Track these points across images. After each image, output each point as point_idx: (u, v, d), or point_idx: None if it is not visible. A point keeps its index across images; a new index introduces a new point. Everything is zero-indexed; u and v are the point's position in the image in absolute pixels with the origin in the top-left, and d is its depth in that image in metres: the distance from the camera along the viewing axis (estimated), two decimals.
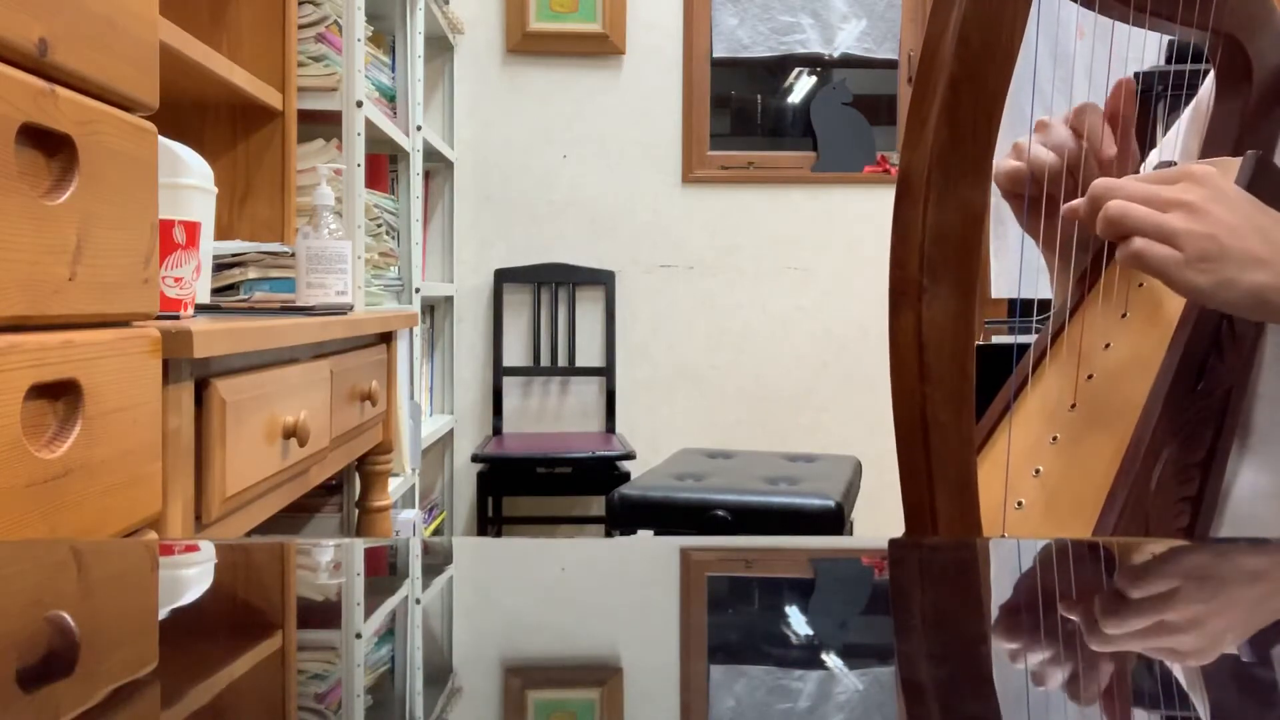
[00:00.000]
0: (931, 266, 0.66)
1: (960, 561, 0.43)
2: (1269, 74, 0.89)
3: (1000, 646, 0.32)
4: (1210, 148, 0.93)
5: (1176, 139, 1.01)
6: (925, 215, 0.65)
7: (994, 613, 0.36)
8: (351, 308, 1.66)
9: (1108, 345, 0.87)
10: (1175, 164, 0.96)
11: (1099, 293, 0.91)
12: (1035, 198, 0.90)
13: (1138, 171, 0.94)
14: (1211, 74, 0.95)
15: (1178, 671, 0.30)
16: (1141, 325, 0.86)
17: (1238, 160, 0.87)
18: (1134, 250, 0.74)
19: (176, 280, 1.18)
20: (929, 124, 0.65)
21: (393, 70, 2.65)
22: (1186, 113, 1.01)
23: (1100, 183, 0.77)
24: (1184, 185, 0.75)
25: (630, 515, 2.35)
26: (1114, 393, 0.83)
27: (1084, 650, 0.31)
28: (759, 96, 3.66)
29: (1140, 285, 0.89)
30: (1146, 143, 1.07)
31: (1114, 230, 0.75)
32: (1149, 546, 0.45)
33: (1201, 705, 0.28)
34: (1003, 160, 0.90)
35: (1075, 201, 0.80)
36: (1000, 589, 0.39)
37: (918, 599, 0.38)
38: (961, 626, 0.34)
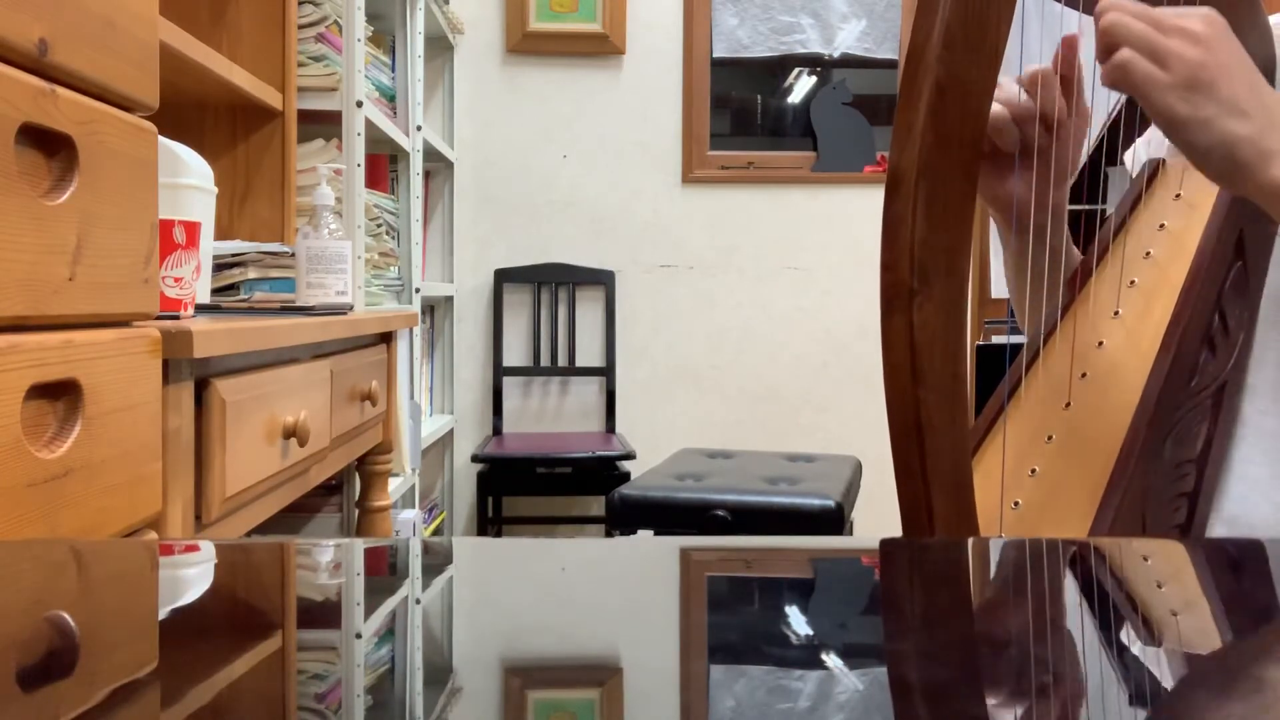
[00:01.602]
0: (922, 269, 0.66)
1: (954, 561, 0.43)
2: None
3: (997, 646, 0.32)
4: None
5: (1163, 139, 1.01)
6: (914, 218, 0.66)
7: (990, 613, 0.36)
8: (351, 308, 1.66)
9: (1101, 343, 0.87)
10: (1164, 161, 0.96)
11: (1091, 292, 0.91)
12: (993, 162, 0.88)
13: (1084, 130, 0.92)
14: None
15: (1174, 670, 0.30)
16: (1134, 323, 0.86)
17: None
18: (1121, 61, 0.71)
19: (176, 280, 1.18)
20: (916, 128, 0.66)
21: (393, 70, 2.65)
22: None
23: (1104, 2, 0.74)
24: (1190, 18, 0.72)
25: (630, 515, 2.35)
26: (1108, 391, 0.83)
27: (1083, 650, 0.32)
28: (759, 96, 3.66)
29: (1133, 283, 0.90)
30: (1136, 136, 1.07)
31: (1106, 40, 0.72)
32: (1146, 545, 0.45)
33: (1195, 702, 0.28)
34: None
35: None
36: (997, 589, 0.39)
37: (913, 599, 0.38)
38: (956, 626, 0.34)
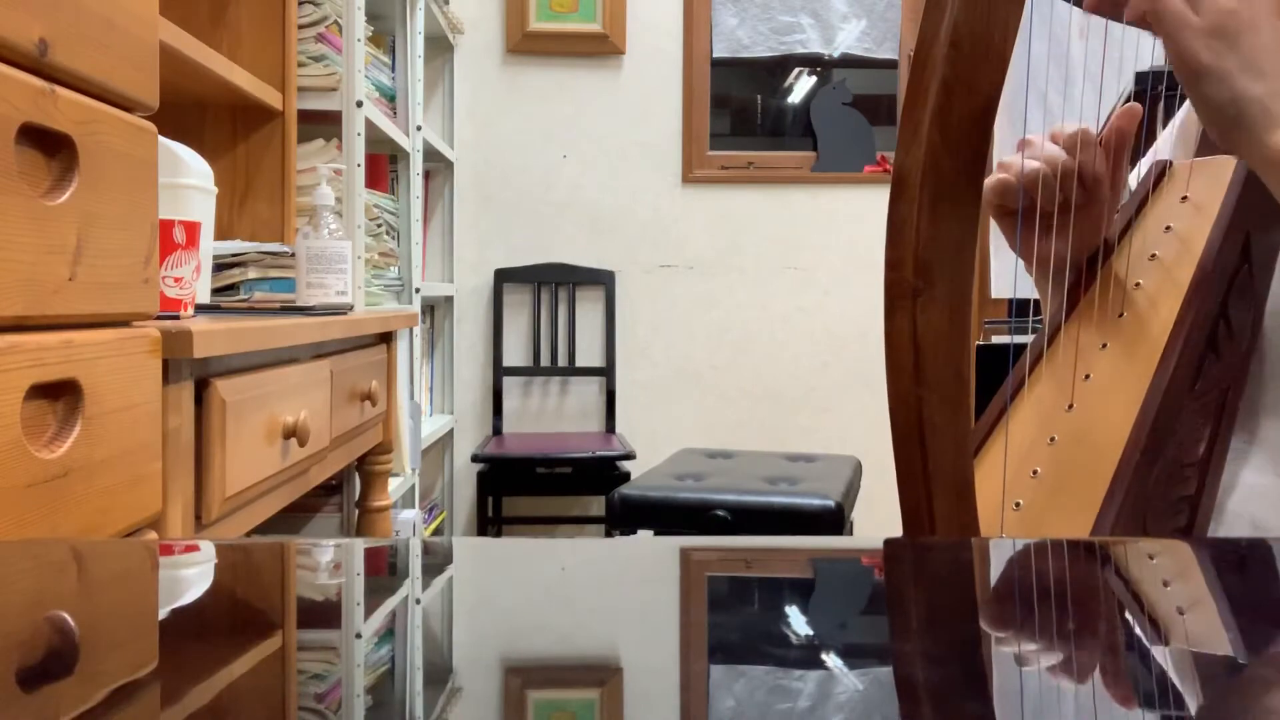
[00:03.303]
0: (926, 269, 0.66)
1: (957, 562, 0.43)
2: None
3: (997, 646, 0.32)
4: (1205, 148, 0.93)
5: (1171, 138, 1.01)
6: (919, 218, 0.66)
7: (991, 613, 0.36)
8: (351, 308, 1.66)
9: (1104, 346, 0.87)
10: (1170, 162, 0.96)
11: (1095, 294, 0.91)
12: (1025, 217, 0.90)
13: (1120, 193, 0.93)
14: None
15: (1175, 669, 0.30)
16: (1138, 326, 0.86)
17: (1232, 159, 0.88)
18: None
19: (176, 280, 1.18)
20: (922, 127, 0.66)
21: (393, 70, 2.65)
22: (1179, 115, 1.01)
23: None
24: None
25: (630, 515, 2.35)
26: (1111, 393, 0.83)
27: (1082, 650, 0.32)
28: (759, 96, 3.66)
29: (1137, 286, 0.90)
30: (1143, 143, 1.07)
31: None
32: (1147, 546, 0.45)
33: (1198, 703, 0.28)
34: (990, 177, 0.89)
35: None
36: (998, 589, 0.39)
37: (914, 599, 0.38)
38: (957, 626, 0.34)
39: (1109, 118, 0.95)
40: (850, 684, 0.29)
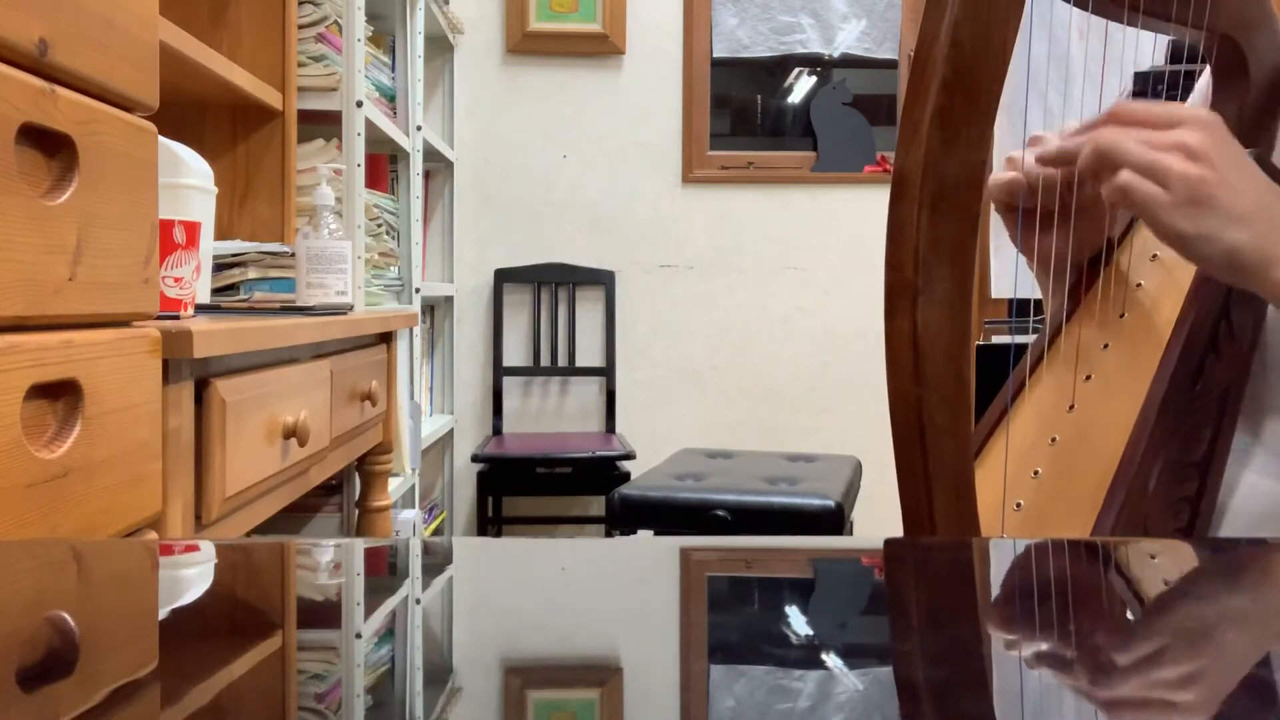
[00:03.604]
0: (926, 269, 0.66)
1: (957, 562, 0.43)
2: (1266, 74, 0.89)
3: (997, 646, 0.32)
4: None
5: None
6: (920, 218, 0.66)
7: (991, 613, 0.36)
8: (351, 308, 1.66)
9: (1106, 346, 0.87)
10: None
11: (1097, 294, 0.91)
12: (1028, 214, 0.90)
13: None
14: (1204, 77, 0.95)
15: (1174, 669, 0.30)
16: (1139, 326, 0.86)
17: None
18: (1121, 183, 0.72)
19: (176, 280, 1.18)
20: (922, 127, 0.66)
21: (393, 70, 2.65)
22: None
23: (1107, 112, 0.75)
24: (1185, 129, 0.72)
25: (630, 515, 2.35)
26: (1112, 394, 0.83)
27: (1081, 650, 0.32)
28: (759, 96, 3.66)
29: (1138, 286, 0.89)
30: None
31: (1105, 161, 0.73)
32: (1147, 546, 0.45)
33: (1198, 704, 0.28)
34: (997, 172, 0.89)
35: (1074, 142, 0.78)
36: (998, 589, 0.39)
37: (915, 599, 0.38)
38: (957, 626, 0.34)
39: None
40: (850, 684, 0.29)
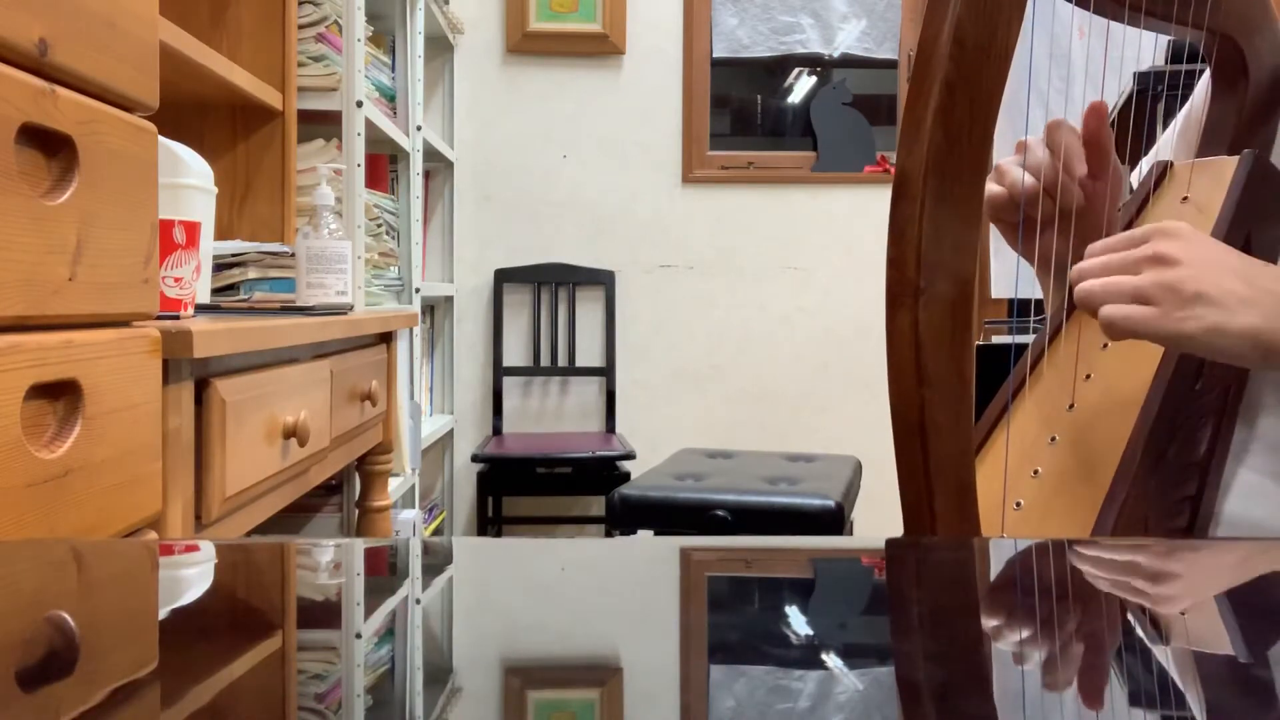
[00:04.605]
0: (928, 268, 0.66)
1: (958, 561, 0.43)
2: (1265, 74, 0.89)
3: (997, 646, 0.32)
4: (1206, 147, 0.93)
5: (1172, 139, 1.01)
6: (922, 217, 0.66)
7: (992, 612, 0.36)
8: (351, 308, 1.66)
9: (1105, 345, 0.87)
10: (1171, 163, 0.96)
11: None
12: (1027, 218, 0.90)
13: (1119, 190, 0.93)
14: (1204, 78, 0.95)
15: (1174, 669, 0.30)
16: None
17: (1234, 159, 0.88)
18: (1108, 319, 0.71)
19: (176, 280, 1.18)
20: (924, 126, 0.66)
21: (393, 70, 2.65)
22: (1180, 116, 1.01)
23: (1075, 269, 0.76)
24: (1152, 242, 0.73)
25: (630, 515, 2.35)
26: (1112, 394, 0.83)
27: (1081, 649, 0.32)
28: (759, 96, 3.66)
29: None
30: (1144, 143, 1.07)
31: (1086, 306, 0.74)
32: (1147, 546, 0.45)
33: (1197, 703, 0.28)
34: (987, 187, 0.89)
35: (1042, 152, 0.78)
36: (998, 589, 0.39)
37: (915, 599, 0.38)
38: (958, 626, 0.34)
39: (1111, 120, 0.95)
40: (850, 684, 0.29)
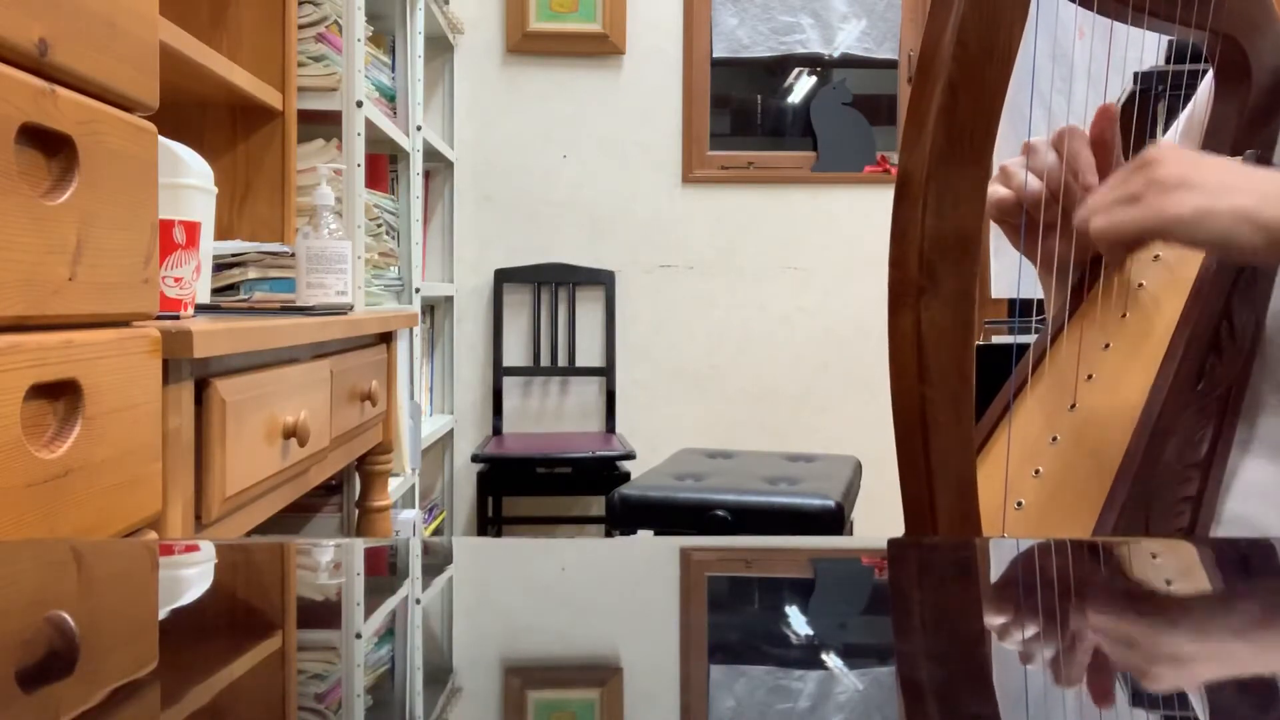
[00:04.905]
0: (930, 268, 0.66)
1: (960, 561, 0.43)
2: (1268, 75, 0.89)
3: (999, 646, 0.32)
4: (1209, 148, 0.93)
5: (1175, 140, 1.01)
6: (924, 217, 0.65)
7: (993, 612, 0.36)
8: (351, 308, 1.66)
9: (1107, 345, 0.87)
10: None
11: (1099, 294, 0.91)
12: (1031, 221, 0.90)
13: None
14: (1207, 78, 0.95)
15: (1174, 669, 0.30)
16: (1141, 326, 0.86)
17: (1237, 160, 0.88)
18: (1095, 231, 0.71)
19: (176, 280, 1.18)
20: (927, 126, 0.65)
21: (393, 70, 2.65)
22: (1183, 117, 1.01)
23: (1077, 215, 0.76)
24: (1138, 160, 0.73)
25: (630, 515, 2.35)
26: (1114, 393, 0.83)
27: (1082, 649, 0.32)
28: (759, 96, 3.66)
29: (1140, 286, 0.89)
30: (1144, 143, 1.07)
31: (1088, 230, 0.74)
32: (1148, 546, 0.45)
33: (1198, 703, 0.28)
34: (991, 188, 0.89)
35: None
36: (999, 589, 0.39)
37: (917, 599, 0.38)
38: (960, 626, 0.34)
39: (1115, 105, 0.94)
40: (850, 684, 0.29)
